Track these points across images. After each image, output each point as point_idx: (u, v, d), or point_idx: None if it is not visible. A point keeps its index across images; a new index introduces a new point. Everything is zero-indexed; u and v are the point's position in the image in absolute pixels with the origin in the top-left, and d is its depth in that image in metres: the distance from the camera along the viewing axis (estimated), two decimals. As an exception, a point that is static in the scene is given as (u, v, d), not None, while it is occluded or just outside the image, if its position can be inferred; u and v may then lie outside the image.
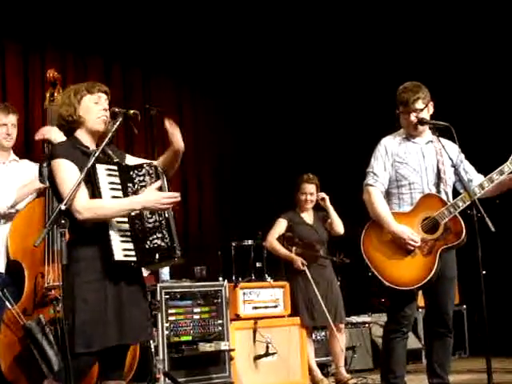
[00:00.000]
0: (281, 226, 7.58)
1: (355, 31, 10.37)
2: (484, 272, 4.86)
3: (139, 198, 4.05)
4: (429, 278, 5.12)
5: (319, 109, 10.89)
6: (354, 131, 10.45)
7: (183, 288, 6.63)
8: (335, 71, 10.70)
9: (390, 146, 5.37)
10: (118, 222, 4.03)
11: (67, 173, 4.00)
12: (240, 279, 7.28)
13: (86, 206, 3.93)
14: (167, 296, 6.46)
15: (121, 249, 3.98)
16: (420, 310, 8.16)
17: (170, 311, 6.45)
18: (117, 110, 4.19)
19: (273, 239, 7.49)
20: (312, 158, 10.38)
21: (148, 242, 4.02)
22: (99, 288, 3.99)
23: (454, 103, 9.32)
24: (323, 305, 7.22)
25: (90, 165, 3.95)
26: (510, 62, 9.73)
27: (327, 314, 7.20)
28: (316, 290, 7.24)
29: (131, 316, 4.07)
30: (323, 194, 7.58)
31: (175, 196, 4.08)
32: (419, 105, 5.28)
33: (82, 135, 4.18)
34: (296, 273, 7.36)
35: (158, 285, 6.47)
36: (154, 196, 4.04)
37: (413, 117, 5.28)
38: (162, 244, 4.03)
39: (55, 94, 5.64)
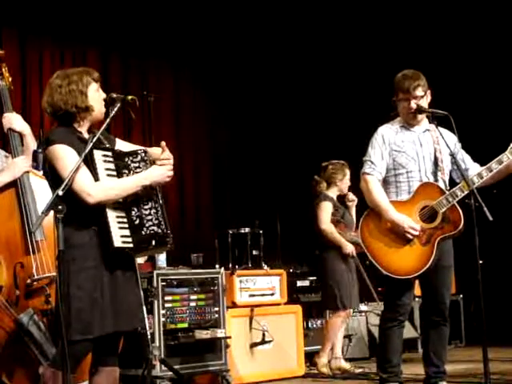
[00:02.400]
0: (328, 208, 7.47)
1: (352, 23, 10.36)
2: (481, 262, 4.86)
3: (147, 173, 4.06)
4: (427, 267, 5.12)
5: (316, 98, 10.87)
6: (350, 120, 10.44)
7: (180, 275, 6.62)
8: (330, 62, 10.69)
9: (387, 134, 5.35)
10: (115, 209, 4.01)
11: (68, 158, 3.97)
12: (237, 267, 7.29)
13: (96, 188, 3.92)
14: (164, 283, 6.45)
15: (119, 235, 3.97)
16: (416, 299, 8.17)
17: (166, 298, 6.44)
18: (115, 95, 4.16)
19: (329, 222, 7.40)
20: (309, 146, 10.39)
21: (144, 229, 4.01)
22: (95, 275, 3.98)
23: (452, 92, 9.30)
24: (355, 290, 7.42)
25: (88, 150, 3.94)
26: (507, 51, 9.72)
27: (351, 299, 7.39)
28: (366, 276, 7.33)
29: (126, 303, 4.06)
30: (355, 197, 7.59)
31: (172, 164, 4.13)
32: (419, 92, 5.26)
33: (81, 124, 4.15)
34: (340, 258, 7.35)
35: (155, 272, 6.45)
36: (161, 170, 4.08)
37: (413, 103, 5.26)
38: (159, 230, 4.03)
39: (3, 71, 5.51)
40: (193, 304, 6.59)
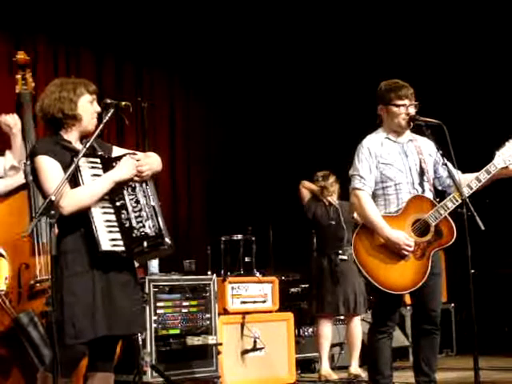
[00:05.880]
0: None
1: (347, 33, 10.39)
2: (473, 271, 4.86)
3: (114, 170, 4.09)
4: (424, 280, 5.10)
5: (309, 107, 10.88)
6: (342, 129, 10.44)
7: (172, 281, 6.62)
8: (322, 74, 10.70)
9: (372, 147, 5.27)
10: (104, 213, 4.04)
11: (50, 170, 4.01)
12: (229, 273, 7.28)
13: (67, 199, 3.93)
14: (156, 289, 6.45)
15: (108, 239, 3.99)
16: (408, 307, 8.17)
17: (158, 304, 6.44)
18: (108, 101, 4.18)
19: None
20: (302, 154, 10.40)
21: (135, 231, 4.04)
22: (87, 280, 4.00)
23: (440, 100, 9.33)
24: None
25: (80, 156, 3.96)
26: (494, 57, 9.78)
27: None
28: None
29: (121, 307, 4.07)
30: None
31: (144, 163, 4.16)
32: (413, 100, 5.26)
33: (68, 132, 4.17)
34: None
35: (147, 277, 6.45)
36: (127, 165, 4.10)
37: (411, 109, 5.24)
38: (150, 232, 4.04)
39: (27, 77, 5.57)
40: (185, 310, 6.60)
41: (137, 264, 6.53)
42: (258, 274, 7.40)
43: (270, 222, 8.62)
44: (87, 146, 4.00)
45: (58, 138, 4.15)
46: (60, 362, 3.74)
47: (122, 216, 4.05)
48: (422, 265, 5.12)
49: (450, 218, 5.13)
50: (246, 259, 7.46)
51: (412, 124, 5.26)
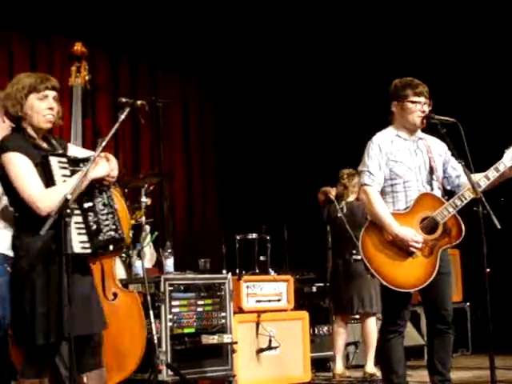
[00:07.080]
0: None
1: (353, 30, 10.39)
2: (488, 270, 4.85)
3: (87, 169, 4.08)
4: (432, 278, 5.09)
5: (324, 106, 10.88)
6: (355, 128, 10.43)
7: (187, 280, 6.62)
8: (336, 73, 10.68)
9: (383, 144, 5.27)
10: (73, 215, 3.98)
11: (21, 166, 3.98)
12: (244, 272, 7.29)
13: (45, 200, 3.92)
14: (171, 288, 6.45)
15: (78, 241, 3.99)
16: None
17: (173, 303, 6.44)
18: (124, 100, 4.19)
19: None
20: (316, 152, 10.40)
21: (102, 234, 4.06)
22: (54, 279, 3.95)
23: (450, 99, 9.30)
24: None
25: (97, 154, 3.98)
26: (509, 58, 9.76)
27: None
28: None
29: (88, 306, 4.09)
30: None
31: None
32: (428, 97, 5.25)
33: (28, 129, 4.14)
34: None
35: (162, 276, 6.46)
36: (101, 166, 4.11)
37: (426, 108, 5.22)
38: (116, 235, 4.10)
39: (81, 69, 5.60)
40: (200, 309, 6.60)
41: (150, 264, 6.57)
42: (272, 273, 7.40)
43: (285, 220, 8.63)
44: (103, 144, 4.02)
45: (24, 134, 4.12)
46: (28, 362, 3.76)
47: (89, 218, 4.06)
48: (429, 263, 5.10)
49: (458, 216, 5.12)
50: (261, 258, 7.46)
51: (426, 122, 5.27)
